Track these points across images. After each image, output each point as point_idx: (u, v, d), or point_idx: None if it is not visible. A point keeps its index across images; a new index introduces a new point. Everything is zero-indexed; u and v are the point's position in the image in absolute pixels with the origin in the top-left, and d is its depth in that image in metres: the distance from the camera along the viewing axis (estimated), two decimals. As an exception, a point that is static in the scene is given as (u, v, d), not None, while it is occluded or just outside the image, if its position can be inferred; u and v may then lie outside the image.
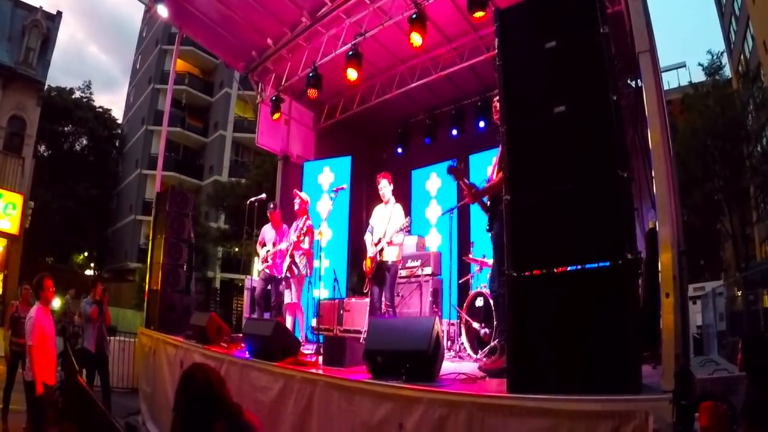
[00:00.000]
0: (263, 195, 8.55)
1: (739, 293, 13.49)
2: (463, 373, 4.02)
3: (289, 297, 7.48)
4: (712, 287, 14.62)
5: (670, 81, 29.19)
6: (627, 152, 3.30)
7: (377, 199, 6.99)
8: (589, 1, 3.38)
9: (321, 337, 5.79)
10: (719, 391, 5.50)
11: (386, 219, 6.66)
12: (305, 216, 7.53)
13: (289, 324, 7.22)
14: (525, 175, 3.45)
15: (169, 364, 6.82)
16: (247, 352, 5.53)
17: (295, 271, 7.32)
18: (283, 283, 7.60)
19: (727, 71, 22.63)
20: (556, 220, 3.29)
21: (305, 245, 7.35)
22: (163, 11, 9.03)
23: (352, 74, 8.59)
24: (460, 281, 8.09)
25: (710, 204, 19.12)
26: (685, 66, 28.08)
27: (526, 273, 3.27)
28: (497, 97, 4.22)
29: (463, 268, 8.17)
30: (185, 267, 8.67)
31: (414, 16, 7.69)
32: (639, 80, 4.56)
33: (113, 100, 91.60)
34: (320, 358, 5.11)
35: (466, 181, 4.78)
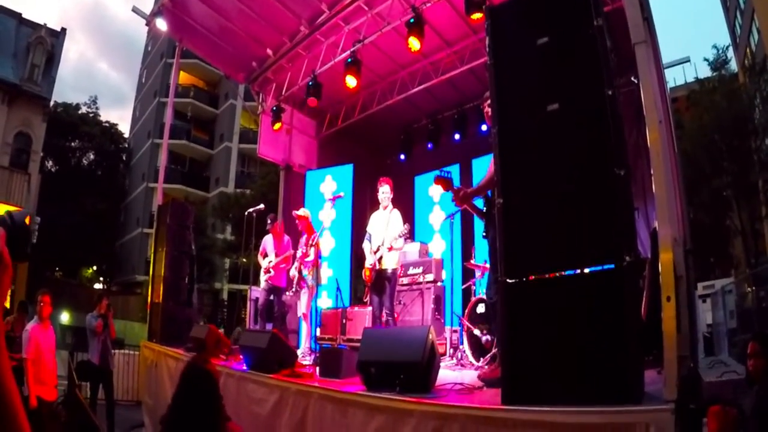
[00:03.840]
0: (261, 206, 8.46)
1: (750, 290, 13.22)
2: (460, 384, 3.90)
3: (299, 308, 7.45)
4: (722, 285, 14.38)
5: (676, 78, 28.94)
6: (624, 149, 3.17)
7: (379, 207, 6.89)
8: (582, -7, 3.26)
9: (319, 347, 5.71)
10: (728, 394, 5.34)
11: (384, 225, 6.56)
12: (311, 231, 7.44)
13: (304, 332, 7.18)
14: (517, 177, 3.33)
15: (171, 377, 6.77)
16: (244, 365, 5.45)
17: (308, 282, 7.24)
18: (293, 294, 7.56)
19: (734, 65, 22.33)
20: (550, 222, 3.16)
21: (310, 258, 7.27)
22: (162, 24, 9.04)
23: (351, 81, 8.52)
24: (463, 287, 7.97)
25: (719, 200, 18.82)
26: (689, 61, 27.79)
27: (521, 279, 3.14)
28: (488, 102, 4.10)
29: (467, 274, 8.04)
30: (186, 279, 8.64)
31: (412, 20, 7.61)
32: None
33: (123, 116, 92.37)
34: (317, 369, 5.02)
35: (454, 187, 4.64)
